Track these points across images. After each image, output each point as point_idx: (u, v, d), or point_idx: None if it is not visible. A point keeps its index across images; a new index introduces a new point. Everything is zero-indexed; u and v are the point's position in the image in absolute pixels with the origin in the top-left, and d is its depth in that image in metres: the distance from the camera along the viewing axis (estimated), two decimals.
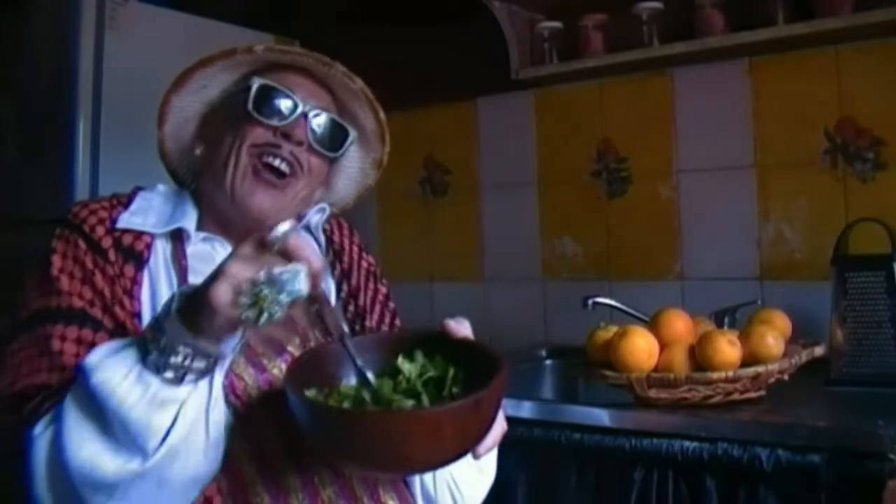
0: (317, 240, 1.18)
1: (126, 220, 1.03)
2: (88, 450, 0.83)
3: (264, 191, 1.04)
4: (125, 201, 1.07)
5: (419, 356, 0.92)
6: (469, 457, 1.00)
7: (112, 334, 0.95)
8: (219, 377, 0.87)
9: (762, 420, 1.50)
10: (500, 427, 0.93)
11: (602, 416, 1.61)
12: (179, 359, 0.82)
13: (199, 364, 0.83)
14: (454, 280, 2.61)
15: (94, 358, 0.85)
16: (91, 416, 0.83)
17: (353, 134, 1.11)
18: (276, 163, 1.04)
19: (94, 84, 2.13)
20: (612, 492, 1.58)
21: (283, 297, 0.78)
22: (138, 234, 1.02)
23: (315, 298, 0.85)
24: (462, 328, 0.94)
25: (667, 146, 2.23)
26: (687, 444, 1.48)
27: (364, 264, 1.23)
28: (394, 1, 2.63)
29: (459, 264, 2.61)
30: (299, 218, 1.14)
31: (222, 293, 0.78)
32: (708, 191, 2.17)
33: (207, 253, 1.06)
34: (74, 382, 0.86)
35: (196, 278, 0.99)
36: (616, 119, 2.32)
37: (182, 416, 0.84)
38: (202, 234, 1.07)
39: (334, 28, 2.73)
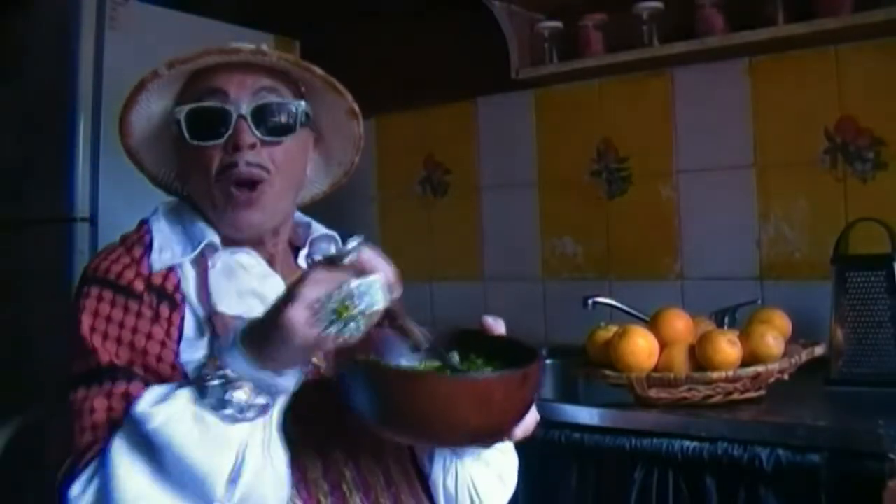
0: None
1: (159, 260, 1.01)
2: (148, 502, 0.81)
3: (245, 209, 1.03)
4: (145, 240, 1.04)
5: (455, 355, 0.95)
6: (489, 462, 1.06)
7: (148, 383, 0.90)
8: (277, 415, 0.86)
9: (762, 420, 1.50)
10: (534, 416, 0.95)
11: (602, 416, 1.61)
12: (241, 395, 0.81)
13: (261, 400, 0.82)
14: (454, 280, 2.61)
15: (144, 405, 0.83)
16: (146, 465, 0.81)
17: (300, 105, 1.07)
18: (240, 175, 1.01)
19: (94, 84, 2.13)
20: (612, 492, 1.58)
21: (363, 309, 0.78)
22: (165, 273, 1.00)
23: (393, 311, 0.84)
24: (498, 326, 0.97)
25: (667, 146, 2.23)
26: (687, 444, 1.48)
27: None
28: (394, 1, 2.63)
29: (459, 264, 2.61)
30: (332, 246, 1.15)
31: (299, 314, 0.77)
32: (708, 191, 2.17)
33: (230, 269, 1.04)
34: (120, 434, 0.83)
35: (221, 298, 1.00)
36: (616, 119, 2.32)
37: (249, 456, 0.82)
38: (227, 248, 1.05)
39: (334, 28, 2.74)
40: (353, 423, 0.99)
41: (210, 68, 1.04)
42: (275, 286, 1.04)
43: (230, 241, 1.07)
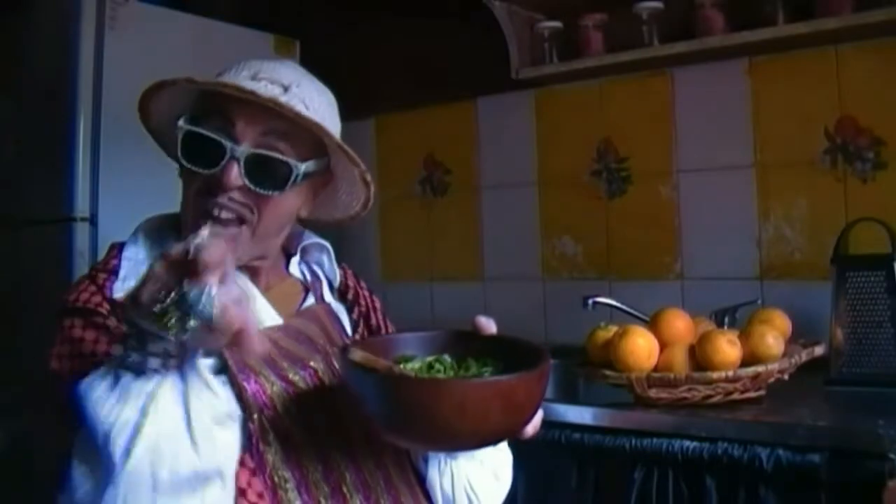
0: (329, 280, 1.18)
1: (121, 287, 0.97)
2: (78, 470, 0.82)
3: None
4: (110, 266, 1.01)
5: (446, 359, 0.96)
6: (483, 461, 1.07)
7: None
8: (199, 365, 0.84)
9: (762, 420, 1.50)
10: (540, 413, 0.96)
11: (602, 416, 1.61)
12: (142, 345, 0.80)
13: (157, 348, 0.80)
14: (454, 280, 2.61)
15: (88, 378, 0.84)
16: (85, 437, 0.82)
17: (299, 167, 1.00)
18: (215, 212, 0.98)
19: (94, 84, 2.13)
20: (612, 492, 1.58)
21: (191, 323, 0.75)
22: None
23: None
24: (490, 326, 0.98)
25: (667, 146, 2.23)
26: (687, 444, 1.48)
27: (377, 306, 1.24)
28: (394, 1, 2.63)
29: (459, 264, 2.61)
30: (302, 252, 1.15)
31: (144, 295, 0.77)
32: (708, 191, 2.17)
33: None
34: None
35: None
36: (616, 119, 2.32)
37: (153, 409, 0.80)
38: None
39: (334, 28, 2.74)
40: (353, 425, 0.99)
41: (219, 97, 0.99)
42: (266, 310, 1.04)
43: None
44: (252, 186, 0.98)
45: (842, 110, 1.98)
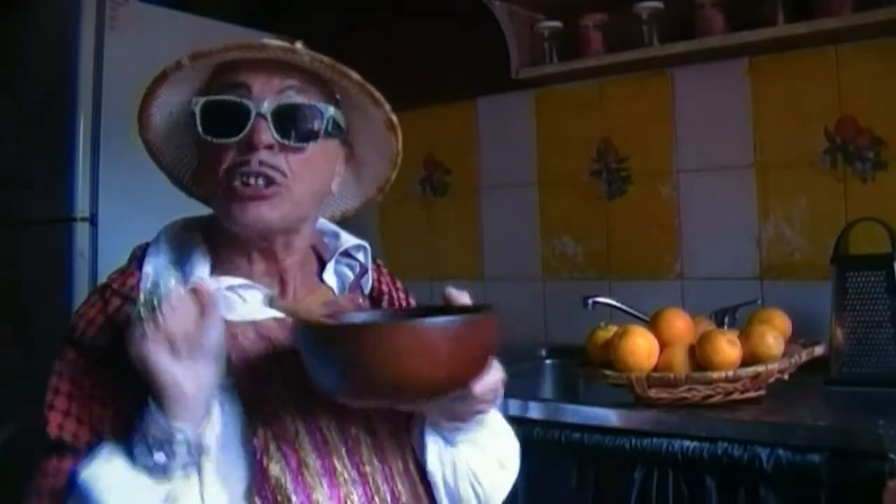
0: (361, 288, 1.12)
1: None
2: None
3: (254, 205, 0.94)
4: (124, 288, 0.97)
5: None
6: (485, 448, 1.03)
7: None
8: (207, 465, 0.87)
9: (762, 420, 1.50)
10: (497, 373, 0.93)
11: (602, 416, 1.61)
12: (161, 448, 0.83)
13: (181, 449, 0.83)
14: (454, 280, 2.57)
15: (86, 472, 0.84)
16: None
17: (329, 110, 0.97)
18: (251, 181, 0.93)
19: (94, 84, 2.13)
20: (612, 492, 1.58)
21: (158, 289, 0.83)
22: None
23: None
24: (462, 297, 0.96)
25: (667, 146, 2.23)
26: (687, 443, 1.48)
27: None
28: (394, 1, 2.63)
29: (459, 264, 2.61)
30: (334, 253, 1.09)
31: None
32: (708, 191, 2.17)
33: (225, 302, 0.96)
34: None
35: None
36: (616, 119, 2.32)
37: None
38: (225, 285, 0.97)
39: (334, 28, 2.73)
40: (351, 416, 0.98)
41: (237, 63, 0.96)
42: (276, 314, 0.99)
43: (231, 261, 1.01)
44: (284, 141, 0.94)
45: (842, 110, 1.98)
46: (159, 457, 0.83)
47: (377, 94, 0.99)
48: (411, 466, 1.03)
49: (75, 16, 2.12)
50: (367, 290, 1.12)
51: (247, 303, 0.98)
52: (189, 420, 0.84)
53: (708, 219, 2.17)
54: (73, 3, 2.12)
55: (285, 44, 0.94)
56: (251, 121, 0.92)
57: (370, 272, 1.12)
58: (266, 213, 0.94)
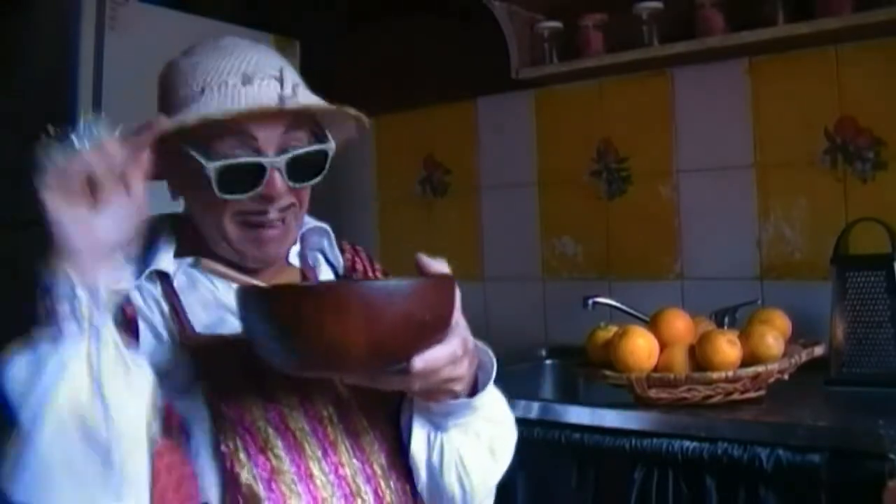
0: (333, 265, 1.13)
1: None
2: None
3: (273, 243, 0.99)
4: None
5: None
6: (479, 433, 0.99)
7: None
8: (106, 326, 0.80)
9: (762, 420, 1.50)
10: (448, 349, 0.87)
11: (602, 416, 1.61)
12: (56, 305, 0.79)
13: (64, 307, 0.79)
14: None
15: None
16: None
17: (330, 148, 1.01)
18: (268, 225, 0.98)
19: (94, 84, 2.13)
20: (612, 492, 1.58)
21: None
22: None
23: None
24: (436, 265, 0.94)
25: (667, 146, 2.23)
26: (687, 444, 1.48)
27: None
28: (393, 1, 2.63)
29: (459, 264, 2.58)
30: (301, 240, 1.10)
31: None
32: (708, 191, 2.17)
33: (193, 280, 1.01)
34: None
35: (193, 315, 0.97)
36: (616, 119, 2.32)
37: (64, 379, 0.76)
38: (197, 270, 1.01)
39: (334, 28, 2.74)
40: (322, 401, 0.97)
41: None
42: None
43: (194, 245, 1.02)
44: (297, 185, 0.98)
45: (842, 110, 1.98)
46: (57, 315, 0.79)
47: (364, 119, 1.03)
48: (398, 461, 1.00)
49: (75, 16, 2.12)
50: (340, 272, 1.13)
51: (213, 283, 1.01)
52: (79, 273, 0.79)
53: (708, 219, 2.17)
54: (73, 3, 2.12)
55: (282, 94, 0.96)
56: (266, 177, 0.95)
57: (336, 251, 1.13)
58: (280, 249, 1.02)
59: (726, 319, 1.92)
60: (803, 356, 1.62)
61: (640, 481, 1.54)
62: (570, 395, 2.13)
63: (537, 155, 2.47)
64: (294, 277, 1.10)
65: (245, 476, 0.89)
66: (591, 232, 2.36)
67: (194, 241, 1.02)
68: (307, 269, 1.11)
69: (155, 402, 0.83)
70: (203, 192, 0.96)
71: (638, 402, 1.61)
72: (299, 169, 0.97)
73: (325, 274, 1.13)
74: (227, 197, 0.95)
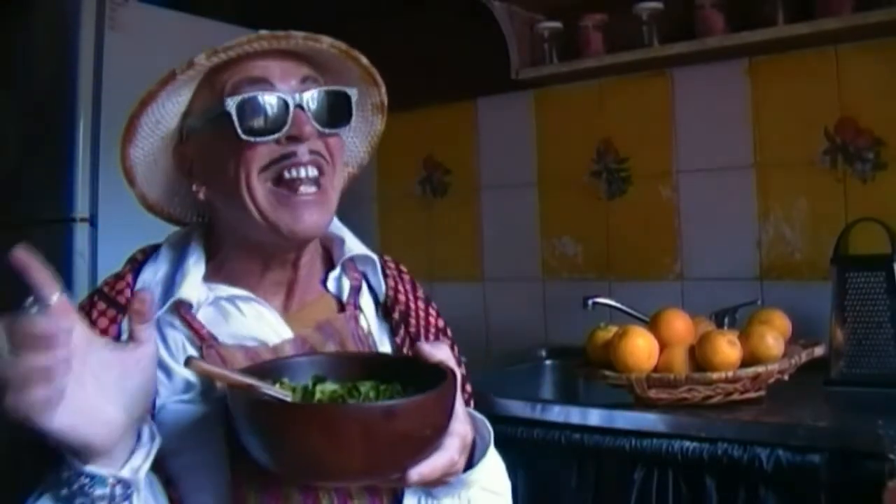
0: (375, 294, 1.05)
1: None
2: None
3: (308, 209, 0.90)
4: (117, 297, 0.92)
5: (365, 384, 0.86)
6: (474, 480, 0.93)
7: None
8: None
9: (762, 420, 1.50)
10: (445, 457, 0.82)
11: (602, 416, 1.61)
12: (82, 491, 0.74)
13: (100, 491, 0.74)
14: (454, 280, 2.61)
15: None
16: None
17: (351, 92, 0.96)
18: (303, 174, 0.90)
19: (94, 84, 2.13)
20: (612, 492, 1.58)
21: None
22: None
23: None
24: (437, 352, 0.87)
25: (667, 146, 2.23)
26: (687, 444, 1.48)
27: (432, 326, 1.07)
28: (393, 1, 2.63)
29: (459, 264, 2.61)
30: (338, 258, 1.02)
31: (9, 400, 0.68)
32: (708, 191, 2.17)
33: (223, 311, 0.93)
34: None
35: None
36: (616, 119, 2.32)
37: None
38: (223, 295, 0.94)
39: (334, 28, 2.73)
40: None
41: (241, 61, 0.91)
42: (273, 327, 0.94)
43: (228, 270, 0.96)
44: (325, 129, 0.92)
45: (842, 110, 1.98)
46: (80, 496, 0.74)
47: (378, 77, 1.00)
48: None
49: (75, 16, 2.12)
50: (381, 299, 1.05)
51: (245, 317, 0.94)
52: (105, 464, 0.75)
53: (708, 219, 2.17)
54: (73, 3, 2.12)
55: (303, 32, 0.93)
56: (291, 112, 0.89)
57: (381, 281, 1.06)
58: (320, 219, 0.92)
59: (726, 320, 1.92)
60: (803, 356, 1.62)
61: (640, 481, 1.53)
62: (570, 396, 2.13)
63: (537, 155, 2.47)
64: (330, 307, 1.01)
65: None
66: (591, 232, 2.36)
67: (235, 261, 0.96)
68: (346, 300, 1.02)
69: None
70: (227, 150, 0.89)
71: (638, 403, 1.61)
72: (323, 112, 0.91)
73: (366, 303, 1.04)
74: (252, 139, 0.88)
